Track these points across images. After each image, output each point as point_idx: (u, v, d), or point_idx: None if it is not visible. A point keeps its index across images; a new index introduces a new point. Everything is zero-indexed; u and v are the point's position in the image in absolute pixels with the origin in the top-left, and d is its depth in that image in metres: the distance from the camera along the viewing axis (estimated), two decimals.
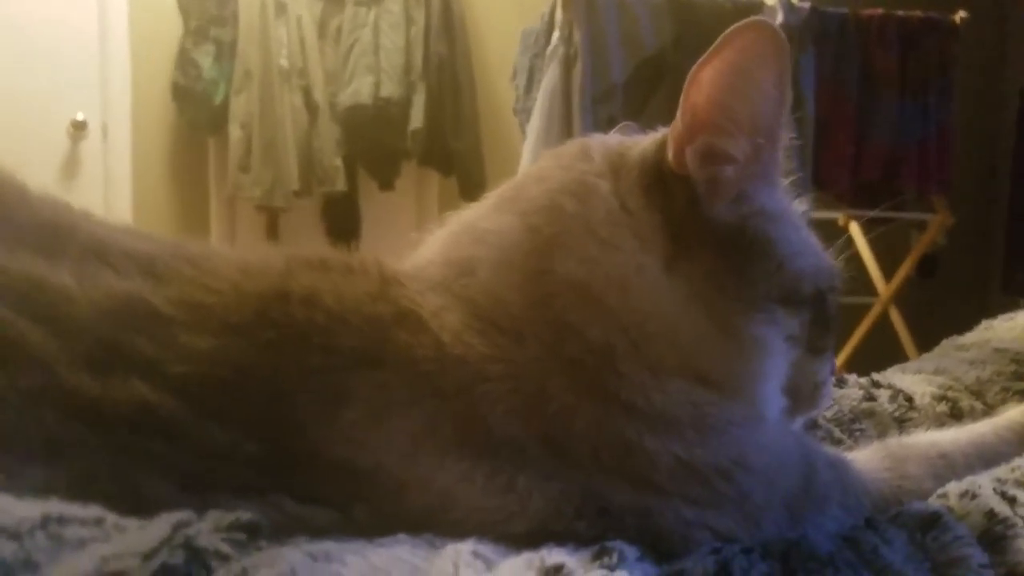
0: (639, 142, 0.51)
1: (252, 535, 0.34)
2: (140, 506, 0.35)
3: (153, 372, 0.38)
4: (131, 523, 0.33)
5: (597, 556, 0.39)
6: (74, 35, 2.98)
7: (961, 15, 2.40)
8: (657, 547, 0.42)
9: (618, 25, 2.17)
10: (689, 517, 0.42)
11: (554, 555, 0.37)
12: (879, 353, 1.69)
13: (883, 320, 2.52)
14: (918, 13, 2.39)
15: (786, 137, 0.49)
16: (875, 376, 0.85)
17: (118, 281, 0.41)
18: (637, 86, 2.18)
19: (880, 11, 2.37)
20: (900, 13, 2.37)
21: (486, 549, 0.38)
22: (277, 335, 0.40)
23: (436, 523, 0.39)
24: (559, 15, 2.21)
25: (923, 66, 2.37)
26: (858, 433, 0.73)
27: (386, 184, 3.13)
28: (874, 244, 2.36)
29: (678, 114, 0.47)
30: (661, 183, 0.47)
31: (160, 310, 0.40)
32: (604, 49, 2.16)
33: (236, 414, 0.39)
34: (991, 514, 0.45)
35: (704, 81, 0.46)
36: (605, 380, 0.43)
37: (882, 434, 0.72)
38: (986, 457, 0.57)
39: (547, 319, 0.44)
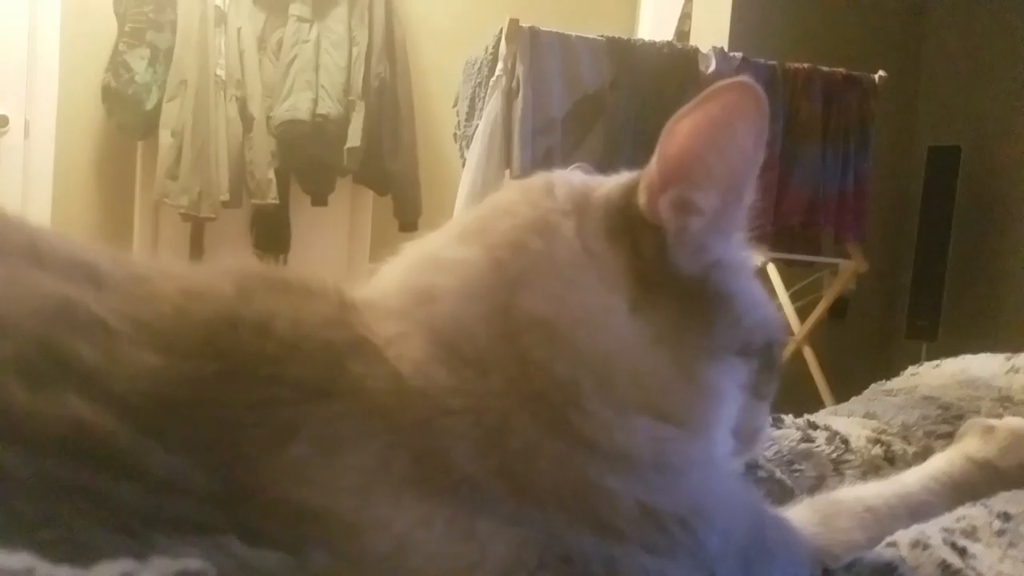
0: (603, 183, 0.51)
1: None
2: (72, 549, 0.32)
3: (93, 386, 0.35)
4: (65, 573, 0.30)
5: None
6: (1, 28, 2.88)
7: (881, 74, 2.55)
8: None
9: (560, 61, 2.22)
10: (649, 566, 0.41)
11: None
12: (794, 389, 1.77)
13: (798, 357, 2.62)
14: (841, 70, 2.52)
15: (752, 195, 0.50)
16: (810, 417, 0.85)
17: (55, 284, 0.37)
18: (575, 121, 2.23)
19: (806, 65, 2.48)
20: (824, 68, 2.50)
21: None
22: (223, 366, 0.38)
23: (395, 571, 0.37)
24: (503, 48, 2.24)
25: (844, 119, 2.50)
26: (797, 474, 0.73)
27: (319, 199, 3.11)
28: (790, 286, 2.45)
29: (652, 162, 0.48)
30: (626, 228, 0.48)
31: (104, 318, 0.37)
32: (546, 84, 2.20)
33: (183, 439, 0.36)
34: (944, 565, 0.47)
35: (683, 132, 0.46)
36: (569, 417, 0.42)
37: (820, 475, 0.73)
38: (912, 508, 0.60)
39: (512, 353, 0.43)
